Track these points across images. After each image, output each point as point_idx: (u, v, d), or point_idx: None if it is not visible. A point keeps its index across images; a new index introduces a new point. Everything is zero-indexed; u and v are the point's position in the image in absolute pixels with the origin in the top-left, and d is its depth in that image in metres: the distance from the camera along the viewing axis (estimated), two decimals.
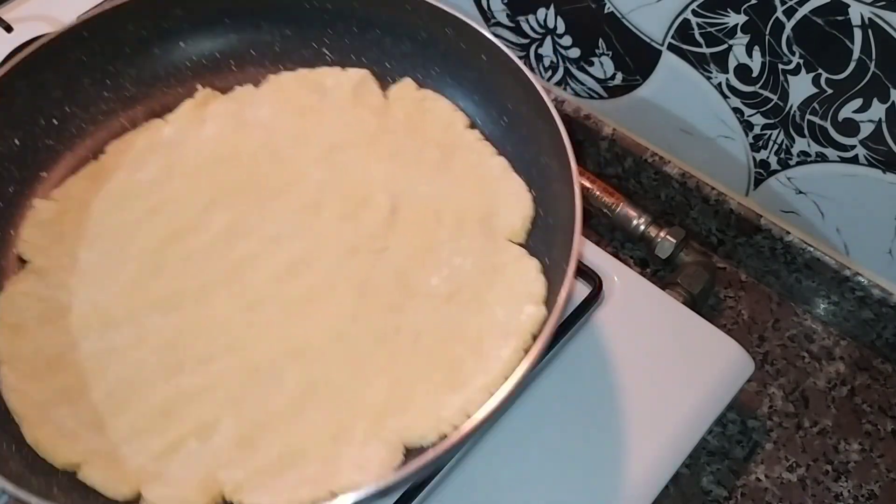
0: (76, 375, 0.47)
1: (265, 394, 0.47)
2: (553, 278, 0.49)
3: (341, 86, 0.59)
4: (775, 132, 0.59)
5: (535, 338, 0.47)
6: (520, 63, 0.52)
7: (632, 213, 0.67)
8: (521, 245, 0.53)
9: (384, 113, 0.58)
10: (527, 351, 0.46)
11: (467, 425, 0.41)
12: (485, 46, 0.54)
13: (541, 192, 0.53)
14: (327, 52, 0.61)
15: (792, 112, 0.57)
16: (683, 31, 0.59)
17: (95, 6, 0.57)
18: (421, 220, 0.53)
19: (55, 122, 0.56)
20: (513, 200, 0.54)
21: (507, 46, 0.53)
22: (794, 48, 0.54)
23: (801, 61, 0.54)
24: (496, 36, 0.54)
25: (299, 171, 0.55)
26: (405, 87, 0.60)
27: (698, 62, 0.60)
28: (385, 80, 0.60)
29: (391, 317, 0.50)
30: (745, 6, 0.54)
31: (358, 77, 0.59)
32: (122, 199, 0.54)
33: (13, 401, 0.45)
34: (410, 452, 0.45)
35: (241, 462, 0.45)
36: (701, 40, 0.58)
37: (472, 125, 0.58)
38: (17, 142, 0.55)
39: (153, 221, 0.53)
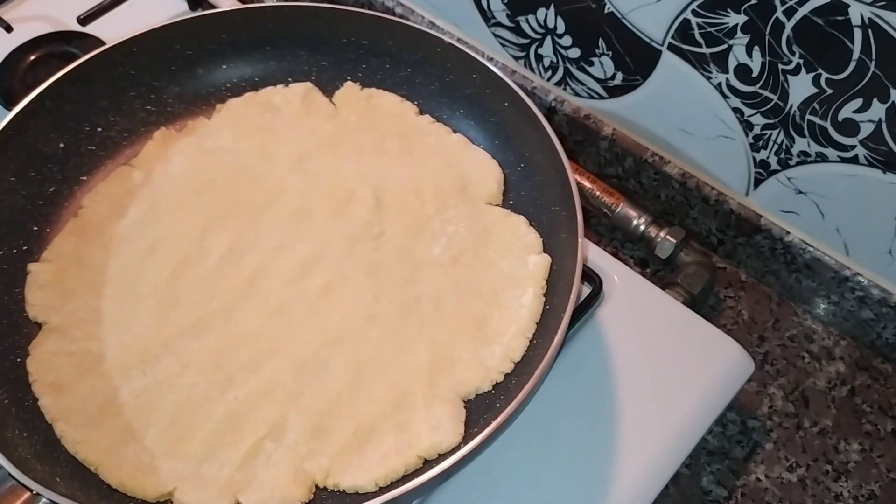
0: (132, 414, 0.48)
1: (319, 383, 0.49)
2: (553, 317, 0.51)
3: (289, 101, 0.62)
4: (775, 132, 0.59)
5: (547, 283, 0.53)
6: (538, 114, 0.55)
7: (632, 213, 0.67)
8: (500, 206, 0.58)
9: (336, 117, 0.62)
10: (545, 296, 0.52)
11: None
12: (508, 94, 0.57)
13: (549, 239, 0.55)
14: (360, 85, 0.63)
15: (792, 112, 0.57)
16: (683, 31, 0.59)
17: (147, 27, 0.60)
18: (405, 202, 0.57)
19: (99, 129, 0.59)
20: (482, 168, 0.59)
21: (528, 97, 0.56)
22: (794, 48, 0.54)
23: (801, 61, 0.54)
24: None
25: (277, 184, 0.58)
26: (349, 91, 0.63)
27: (698, 62, 0.60)
28: (327, 89, 0.63)
29: (408, 289, 0.53)
30: (745, 6, 0.54)
31: (303, 90, 0.63)
32: (116, 245, 0.55)
33: (82, 452, 0.47)
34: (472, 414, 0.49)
35: (320, 450, 0.47)
36: (701, 40, 0.58)
37: (422, 111, 0.62)
38: (61, 145, 0.58)
39: (155, 260, 0.54)
